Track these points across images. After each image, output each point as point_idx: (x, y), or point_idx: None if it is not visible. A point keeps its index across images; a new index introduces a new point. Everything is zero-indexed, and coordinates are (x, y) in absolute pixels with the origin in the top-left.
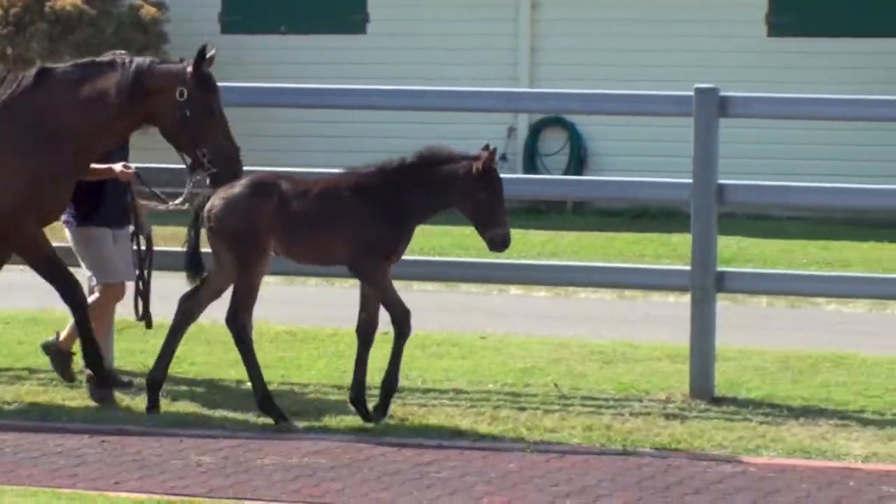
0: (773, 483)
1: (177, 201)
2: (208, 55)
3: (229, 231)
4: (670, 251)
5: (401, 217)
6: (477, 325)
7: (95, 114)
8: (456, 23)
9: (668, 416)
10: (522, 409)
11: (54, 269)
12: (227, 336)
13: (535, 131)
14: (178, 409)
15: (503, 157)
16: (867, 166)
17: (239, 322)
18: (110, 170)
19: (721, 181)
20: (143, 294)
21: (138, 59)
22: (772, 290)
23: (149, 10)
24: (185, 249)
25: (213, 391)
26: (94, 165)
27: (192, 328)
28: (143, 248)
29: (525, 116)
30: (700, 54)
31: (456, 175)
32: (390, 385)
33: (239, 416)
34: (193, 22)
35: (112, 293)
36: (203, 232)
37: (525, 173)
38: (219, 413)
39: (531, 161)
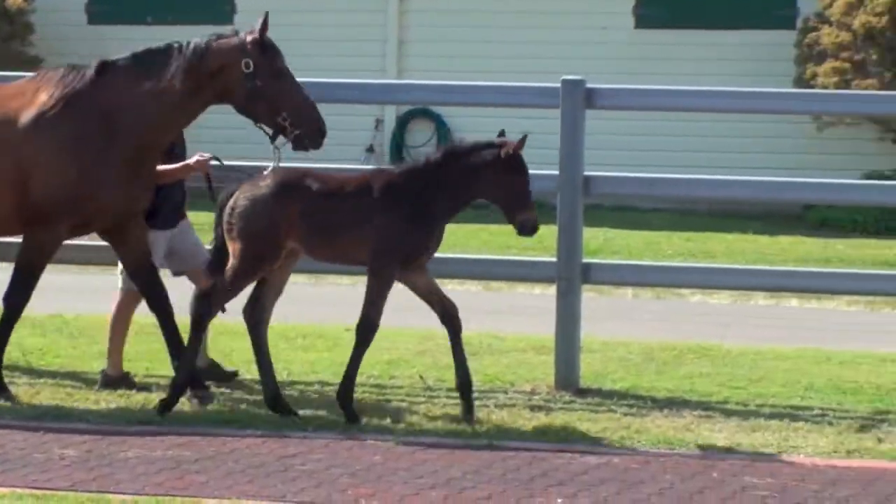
0: (637, 474)
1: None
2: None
3: (249, 232)
4: (536, 243)
5: (430, 217)
6: (343, 317)
7: (162, 103)
8: (324, 14)
9: (533, 408)
10: (388, 401)
11: (27, 279)
12: (93, 329)
13: (403, 123)
14: (41, 402)
15: (370, 149)
16: (733, 158)
17: (204, 304)
18: (186, 167)
19: (587, 173)
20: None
21: (195, 40)
22: (637, 282)
23: (14, 1)
24: (211, 246)
25: (77, 384)
26: (166, 167)
27: (56, 321)
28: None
29: (392, 108)
30: (569, 46)
31: (483, 165)
32: (348, 390)
33: (103, 408)
34: (59, 12)
35: (133, 297)
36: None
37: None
38: (82, 406)
39: (398, 153)
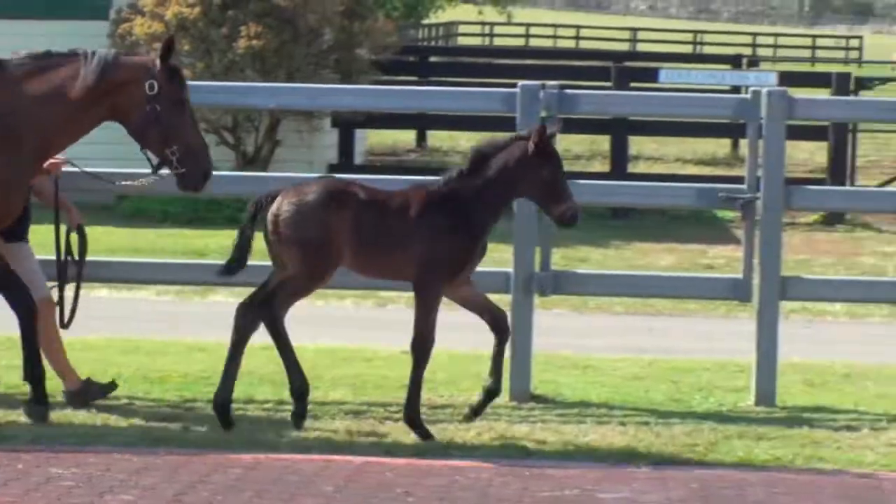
0: None
1: (128, 182)
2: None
3: (303, 240)
4: None
5: (471, 228)
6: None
7: (54, 110)
8: None
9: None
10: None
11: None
12: None
13: None
14: None
15: None
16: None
17: (272, 312)
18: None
19: None
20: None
21: (101, 51)
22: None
23: None
24: (234, 246)
25: None
26: None
27: None
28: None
29: None
30: None
31: (513, 163)
32: (414, 411)
33: None
34: None
35: (47, 308)
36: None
37: None
38: None
39: None
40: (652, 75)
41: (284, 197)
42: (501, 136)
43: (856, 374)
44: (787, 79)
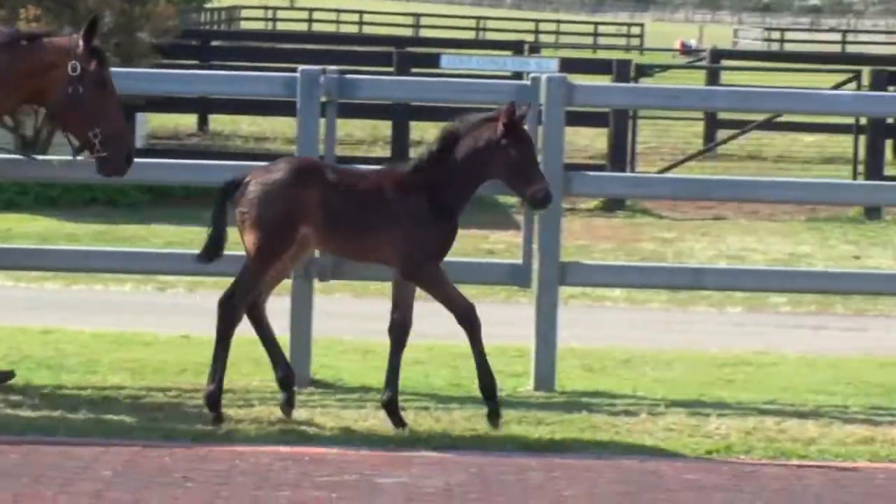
0: None
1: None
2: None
3: (263, 218)
4: None
5: (449, 210)
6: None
7: None
8: None
9: None
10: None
11: None
12: None
13: None
14: None
15: None
16: None
17: (230, 303)
18: None
19: None
20: None
21: (21, 30)
22: None
23: None
24: (208, 232)
25: None
26: None
27: None
28: None
29: None
30: None
31: (482, 145)
32: (487, 385)
33: None
34: None
35: None
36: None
37: None
38: None
39: None
40: (434, 61)
41: (253, 177)
42: (471, 116)
43: (634, 360)
44: (569, 65)
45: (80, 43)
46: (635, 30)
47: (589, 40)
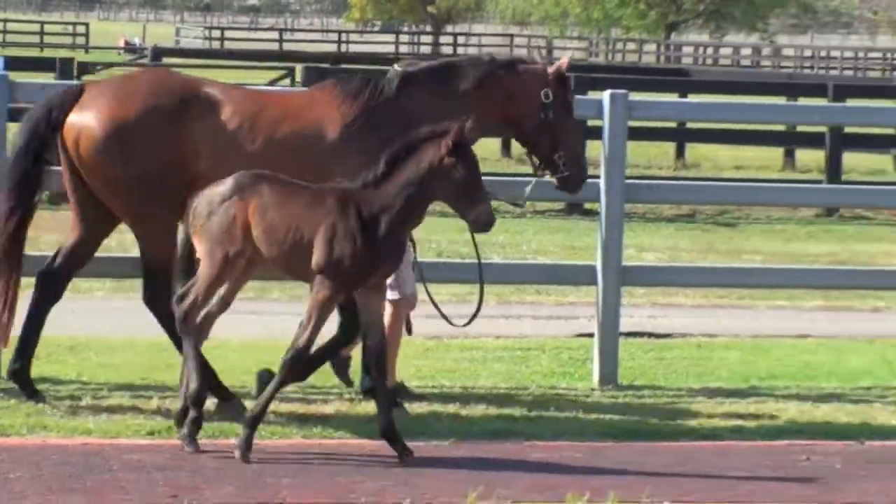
0: None
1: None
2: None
3: (208, 227)
4: None
5: (381, 232)
6: None
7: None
8: None
9: None
10: None
11: None
12: None
13: None
14: None
15: None
16: None
17: (185, 305)
18: None
19: None
20: None
21: (500, 59)
22: None
23: None
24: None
25: None
26: None
27: None
28: None
29: None
30: None
31: (427, 163)
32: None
33: None
34: None
35: None
36: None
37: None
38: None
39: None
40: None
41: (201, 190)
42: (421, 132)
43: (79, 346)
44: (16, 63)
45: (551, 70)
46: (81, 28)
47: (36, 39)
